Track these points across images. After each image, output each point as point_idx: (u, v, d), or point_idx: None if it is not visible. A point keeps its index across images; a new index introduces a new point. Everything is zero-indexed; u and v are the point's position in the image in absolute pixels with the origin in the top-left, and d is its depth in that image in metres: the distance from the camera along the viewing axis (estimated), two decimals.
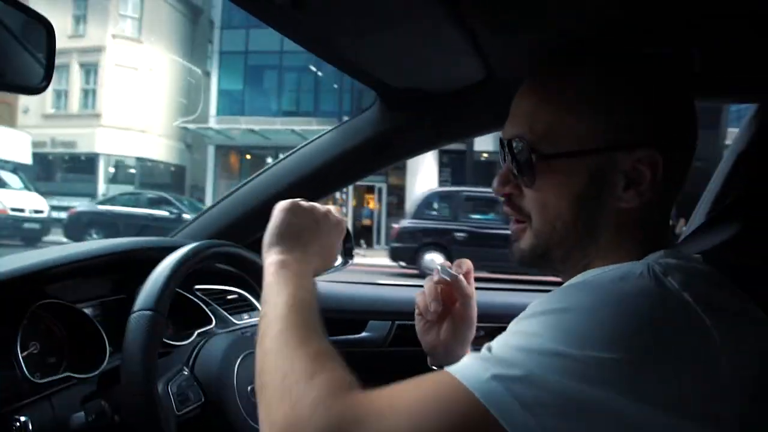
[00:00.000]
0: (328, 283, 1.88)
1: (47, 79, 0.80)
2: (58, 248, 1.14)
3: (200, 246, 1.05)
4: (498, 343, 0.65)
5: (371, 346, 1.68)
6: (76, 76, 23.27)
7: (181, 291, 1.29)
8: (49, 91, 19.42)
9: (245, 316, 1.46)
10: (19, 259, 1.04)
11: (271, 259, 0.84)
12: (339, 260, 1.81)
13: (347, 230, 1.81)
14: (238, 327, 1.41)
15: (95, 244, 1.17)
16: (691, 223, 1.35)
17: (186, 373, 1.06)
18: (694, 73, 1.08)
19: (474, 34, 1.01)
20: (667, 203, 0.81)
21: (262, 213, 1.43)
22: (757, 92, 1.27)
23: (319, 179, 1.42)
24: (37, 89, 0.80)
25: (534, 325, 0.65)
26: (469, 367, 0.63)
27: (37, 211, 14.04)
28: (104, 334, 1.08)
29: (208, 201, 19.68)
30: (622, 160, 0.76)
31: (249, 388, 1.12)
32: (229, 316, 1.42)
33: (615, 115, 0.77)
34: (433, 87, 1.27)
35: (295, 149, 1.45)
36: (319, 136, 1.43)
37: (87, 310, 1.12)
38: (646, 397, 0.60)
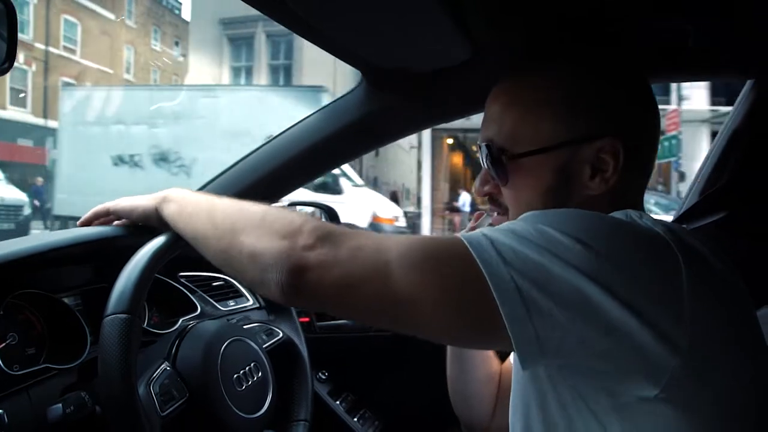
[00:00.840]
0: None
1: (10, 59, 0.77)
2: (36, 236, 1.11)
3: (171, 238, 0.99)
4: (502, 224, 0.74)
5: (357, 331, 1.66)
6: None
7: (165, 278, 1.26)
8: None
9: (231, 302, 1.44)
10: None
11: (164, 197, 0.98)
12: None
13: (337, 215, 1.80)
14: (223, 313, 1.38)
15: (74, 231, 1.14)
16: (685, 202, 1.34)
17: (168, 369, 1.03)
18: (687, 49, 1.07)
19: (459, 12, 0.98)
20: (636, 186, 0.88)
21: (248, 197, 1.41)
22: (751, 68, 1.24)
23: (305, 162, 1.40)
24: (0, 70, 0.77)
25: (528, 215, 0.74)
26: (471, 233, 0.72)
27: None
28: (85, 324, 1.05)
29: None
30: (585, 151, 0.83)
31: (234, 376, 1.10)
32: (214, 302, 1.40)
33: (575, 112, 0.84)
34: (419, 66, 1.24)
35: (281, 132, 1.43)
36: (305, 119, 1.40)
37: (67, 300, 1.09)
38: (604, 283, 0.65)
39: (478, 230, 0.72)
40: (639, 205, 0.87)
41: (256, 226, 0.77)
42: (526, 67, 0.90)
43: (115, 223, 1.13)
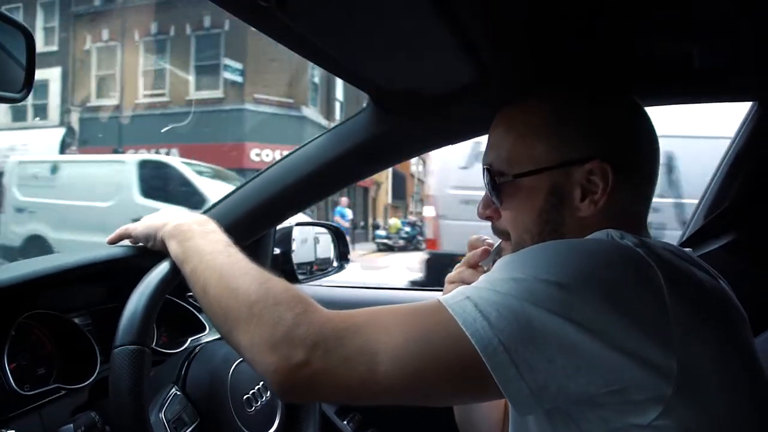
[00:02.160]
0: (324, 288, 1.87)
1: (27, 87, 0.78)
2: (47, 258, 1.13)
3: (169, 267, 0.98)
4: (479, 279, 0.76)
5: None
6: None
7: (173, 298, 1.27)
8: None
9: None
10: (6, 269, 1.02)
11: (170, 231, 0.97)
12: (335, 264, 1.81)
13: (343, 234, 1.80)
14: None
15: (84, 253, 1.15)
16: (689, 225, 1.34)
17: (178, 393, 1.03)
18: (691, 71, 1.08)
19: (466, 34, 0.99)
20: (635, 207, 0.89)
21: (256, 218, 1.43)
22: (754, 90, 1.25)
23: (313, 183, 1.41)
24: (16, 98, 0.78)
25: (502, 262, 0.76)
26: (451, 293, 0.75)
27: None
28: (95, 344, 1.06)
29: None
30: (575, 173, 0.85)
31: (244, 397, 1.10)
32: None
33: (565, 135, 0.87)
34: (426, 89, 1.25)
35: (289, 153, 1.44)
36: (313, 140, 1.41)
37: (77, 320, 1.10)
38: (586, 324, 0.67)
39: (461, 292, 0.73)
40: (640, 226, 0.88)
41: (246, 321, 0.77)
42: (524, 94, 0.93)
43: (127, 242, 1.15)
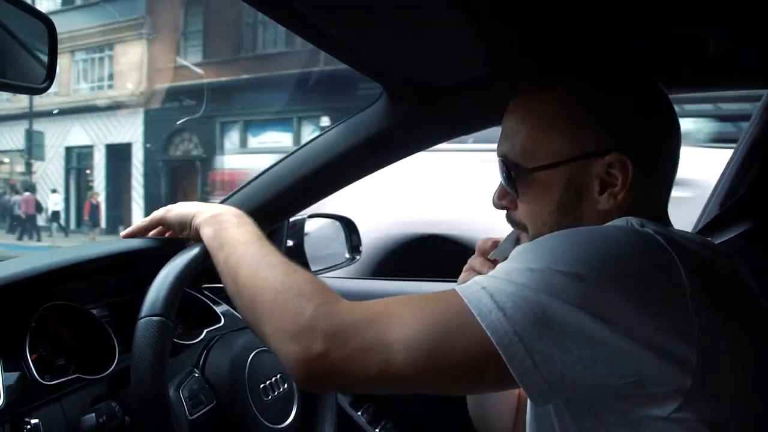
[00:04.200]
0: (337, 280, 1.87)
1: (50, 78, 0.79)
2: (65, 250, 1.13)
3: (205, 251, 1.00)
4: (495, 268, 0.76)
5: None
6: None
7: (190, 290, 1.28)
8: None
9: None
10: (25, 261, 1.03)
11: (206, 219, 0.98)
12: (347, 256, 1.81)
13: (354, 225, 1.80)
14: (245, 325, 1.39)
15: (102, 245, 1.16)
16: (704, 214, 1.34)
17: (197, 375, 1.05)
18: (706, 59, 1.07)
19: (480, 24, 0.99)
20: (655, 198, 0.87)
21: (270, 209, 1.43)
22: None
23: (326, 175, 1.41)
24: (39, 89, 0.79)
25: (518, 251, 0.76)
26: (466, 283, 0.74)
27: None
28: (113, 335, 1.07)
29: None
30: (595, 166, 0.83)
31: (261, 386, 1.11)
32: (237, 314, 1.41)
33: (583, 127, 0.84)
34: (439, 79, 1.25)
35: (302, 145, 1.44)
36: (326, 131, 1.41)
37: (95, 311, 1.11)
38: (603, 315, 0.66)
39: (476, 282, 0.73)
40: (660, 215, 0.87)
41: (271, 311, 0.80)
42: (539, 82, 0.90)
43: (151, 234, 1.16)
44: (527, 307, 0.67)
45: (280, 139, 16.35)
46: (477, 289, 0.71)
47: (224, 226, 0.96)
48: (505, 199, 0.92)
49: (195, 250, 0.99)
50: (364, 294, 1.76)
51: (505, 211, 0.94)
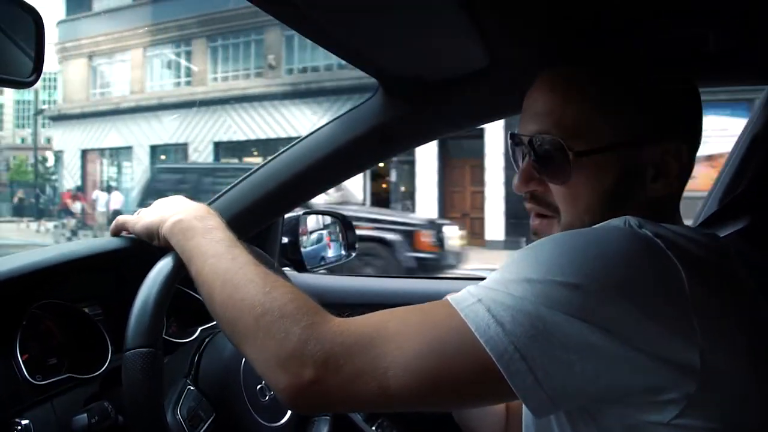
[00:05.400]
0: (331, 277, 1.86)
1: (37, 71, 0.77)
2: (56, 247, 1.12)
3: (179, 260, 0.93)
4: (489, 277, 0.72)
5: None
6: None
7: (182, 288, 1.26)
8: None
9: None
10: (16, 259, 1.01)
11: (170, 228, 0.91)
12: (342, 252, 1.80)
13: (350, 223, 1.79)
14: None
15: (94, 242, 1.14)
16: (703, 209, 1.33)
17: (191, 388, 1.02)
18: (709, 56, 1.06)
19: (478, 19, 0.98)
20: (681, 192, 0.85)
21: (264, 207, 1.41)
22: None
23: (322, 171, 1.40)
24: (26, 83, 0.77)
25: (513, 259, 0.72)
26: (459, 294, 0.71)
27: None
28: (106, 334, 1.06)
29: None
30: (651, 152, 0.80)
31: (258, 387, 1.10)
32: None
33: (644, 110, 0.80)
34: (436, 75, 1.24)
35: (296, 141, 1.43)
36: (321, 127, 1.40)
37: (87, 309, 1.09)
38: (605, 325, 0.64)
39: (471, 293, 0.70)
40: (678, 210, 0.85)
41: (254, 336, 0.74)
42: (582, 63, 0.85)
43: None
44: (527, 321, 0.65)
45: None
46: (473, 302, 0.68)
47: (187, 236, 0.89)
48: (533, 182, 0.86)
49: (168, 265, 0.93)
50: (352, 292, 1.77)
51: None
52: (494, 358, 0.65)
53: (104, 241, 1.14)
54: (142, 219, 1.00)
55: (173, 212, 0.94)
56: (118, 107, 21.43)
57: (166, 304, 0.91)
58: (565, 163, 0.80)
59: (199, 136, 19.38)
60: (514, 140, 0.88)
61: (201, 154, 19.27)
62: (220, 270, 0.82)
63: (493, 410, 1.13)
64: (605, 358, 0.64)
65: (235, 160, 18.86)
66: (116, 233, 1.11)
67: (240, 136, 18.75)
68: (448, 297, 0.71)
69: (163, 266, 0.93)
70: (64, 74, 24.28)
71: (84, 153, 22.86)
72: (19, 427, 0.87)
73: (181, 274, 0.93)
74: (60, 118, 23.80)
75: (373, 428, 1.59)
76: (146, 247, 1.09)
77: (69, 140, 23.01)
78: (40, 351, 1.00)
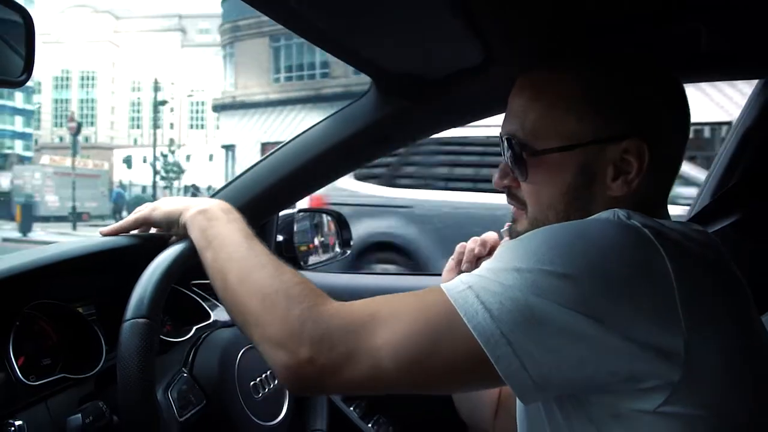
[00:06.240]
0: (329, 275, 1.86)
1: (28, 71, 0.76)
2: (50, 246, 1.11)
3: (192, 247, 0.97)
4: (481, 266, 0.75)
5: None
6: None
7: (178, 287, 1.26)
8: None
9: None
10: (9, 259, 1.01)
11: (193, 215, 0.95)
12: (337, 250, 1.80)
13: (345, 220, 1.80)
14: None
15: (88, 241, 1.14)
16: (696, 203, 1.34)
17: (185, 375, 1.03)
18: (700, 51, 1.06)
19: (471, 17, 0.98)
20: (660, 189, 0.86)
21: (260, 204, 1.41)
22: (763, 68, 1.24)
23: (316, 169, 1.40)
24: (17, 82, 0.77)
25: (504, 249, 0.75)
26: (452, 281, 0.73)
27: None
28: (100, 334, 1.05)
29: None
30: (610, 151, 0.81)
31: (251, 383, 1.10)
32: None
33: (601, 110, 0.82)
34: (430, 72, 1.24)
35: (291, 139, 1.43)
36: (315, 125, 1.39)
37: (81, 309, 1.09)
38: (592, 314, 0.65)
39: (462, 281, 0.72)
40: (663, 207, 0.86)
41: (258, 316, 0.78)
42: (551, 63, 0.88)
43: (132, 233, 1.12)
44: (515, 308, 0.67)
45: None
46: (463, 288, 0.71)
47: (212, 224, 0.93)
48: (507, 179, 0.90)
49: (182, 246, 0.96)
50: (350, 289, 1.77)
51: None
52: (481, 343, 0.67)
53: (98, 240, 1.13)
54: (160, 207, 1.04)
55: (197, 203, 0.99)
56: (317, 93, 19.02)
57: (171, 282, 0.94)
58: (525, 162, 0.84)
59: None
60: (500, 139, 0.91)
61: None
62: (237, 256, 0.86)
63: (485, 397, 1.16)
64: (591, 346, 0.66)
65: None
66: (133, 227, 1.10)
67: None
68: (441, 284, 0.74)
69: (175, 249, 0.96)
70: (237, 57, 21.96)
71: (263, 146, 20.12)
72: (13, 428, 0.86)
73: (193, 261, 0.95)
74: (230, 107, 21.54)
75: (370, 425, 1.60)
76: (140, 247, 1.09)
77: (241, 132, 20.82)
78: (34, 351, 1.00)
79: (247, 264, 0.84)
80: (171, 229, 1.02)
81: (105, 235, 1.12)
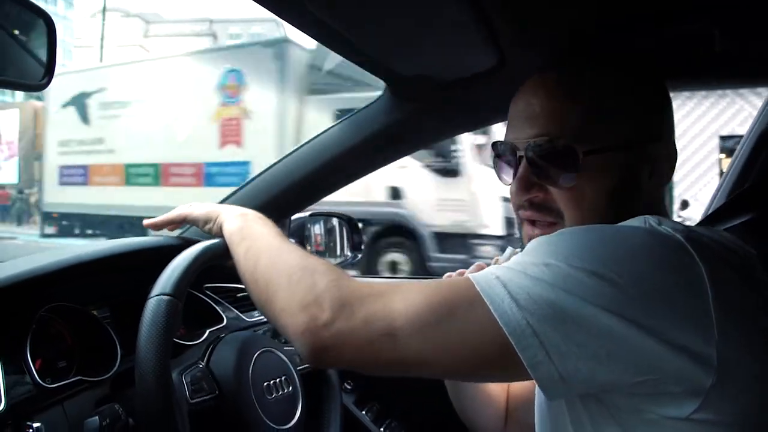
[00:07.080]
0: None
1: (49, 75, 0.77)
2: (66, 250, 1.12)
3: (220, 243, 1.01)
4: (510, 260, 0.74)
5: None
6: None
7: (192, 290, 1.26)
8: None
9: (255, 313, 1.43)
10: (25, 262, 1.01)
11: (232, 216, 1.01)
12: (348, 254, 1.80)
13: (356, 224, 1.80)
14: (249, 324, 1.38)
15: (104, 244, 1.14)
16: (712, 203, 1.33)
17: (201, 365, 1.06)
18: (713, 54, 1.06)
19: (486, 20, 0.98)
20: (664, 193, 0.89)
21: (273, 207, 1.41)
22: None
23: (329, 172, 1.40)
24: (38, 86, 0.77)
25: (533, 246, 0.74)
26: (480, 272, 0.73)
27: None
28: (115, 337, 1.06)
29: None
30: (650, 152, 0.82)
31: (264, 384, 1.10)
32: (239, 313, 1.40)
33: (639, 113, 0.82)
34: (444, 75, 1.24)
35: (305, 143, 1.43)
36: (328, 129, 1.40)
37: (97, 312, 1.09)
38: (622, 314, 0.65)
39: (490, 271, 0.72)
40: (665, 209, 0.88)
41: (285, 287, 0.81)
42: (580, 65, 0.87)
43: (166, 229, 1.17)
44: (542, 300, 0.66)
45: None
46: (491, 278, 0.70)
47: (248, 224, 0.99)
48: (534, 190, 0.85)
49: (214, 242, 1.01)
50: None
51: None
52: (506, 331, 0.66)
53: (113, 244, 1.14)
54: (202, 207, 1.10)
55: (236, 207, 1.06)
56: None
57: (200, 268, 0.97)
58: (572, 165, 0.80)
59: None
60: (499, 149, 0.89)
61: None
62: (270, 245, 0.92)
63: (493, 405, 1.14)
64: (619, 343, 0.65)
65: None
66: (172, 223, 1.15)
67: None
68: (469, 273, 0.75)
69: (207, 243, 1.01)
70: None
71: None
72: (31, 430, 0.87)
73: (222, 257, 0.99)
74: None
75: (381, 429, 1.59)
76: (157, 250, 1.10)
77: None
78: (50, 354, 1.00)
79: (277, 252, 0.89)
80: (206, 225, 1.07)
81: (148, 226, 1.17)
